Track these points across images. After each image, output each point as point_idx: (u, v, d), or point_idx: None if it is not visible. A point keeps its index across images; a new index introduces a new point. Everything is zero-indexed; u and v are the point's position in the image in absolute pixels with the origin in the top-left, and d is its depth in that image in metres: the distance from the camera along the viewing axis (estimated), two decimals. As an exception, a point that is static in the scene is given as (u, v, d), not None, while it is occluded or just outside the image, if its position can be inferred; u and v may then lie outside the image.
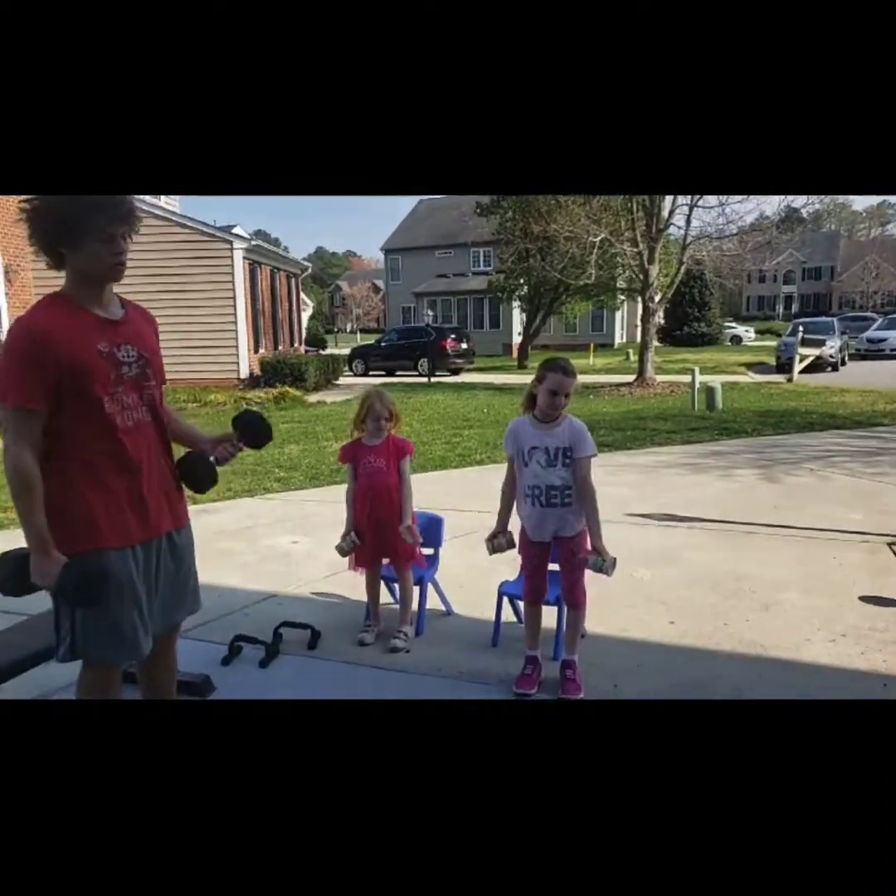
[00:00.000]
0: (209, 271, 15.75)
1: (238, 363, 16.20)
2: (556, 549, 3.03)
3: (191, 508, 2.40)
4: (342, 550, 3.49)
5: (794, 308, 62.05)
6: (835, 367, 19.78)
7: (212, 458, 2.33)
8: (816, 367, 18.81)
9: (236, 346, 16.15)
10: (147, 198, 15.09)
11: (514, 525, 3.06)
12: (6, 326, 13.49)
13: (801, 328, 19.22)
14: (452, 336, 23.52)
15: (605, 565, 2.86)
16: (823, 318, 25.75)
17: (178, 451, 2.34)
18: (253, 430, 2.41)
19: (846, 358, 21.65)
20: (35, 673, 2.69)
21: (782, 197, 16.10)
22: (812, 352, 18.74)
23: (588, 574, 3.03)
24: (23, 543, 1.98)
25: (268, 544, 5.08)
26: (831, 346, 19.89)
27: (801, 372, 17.42)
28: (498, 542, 3.02)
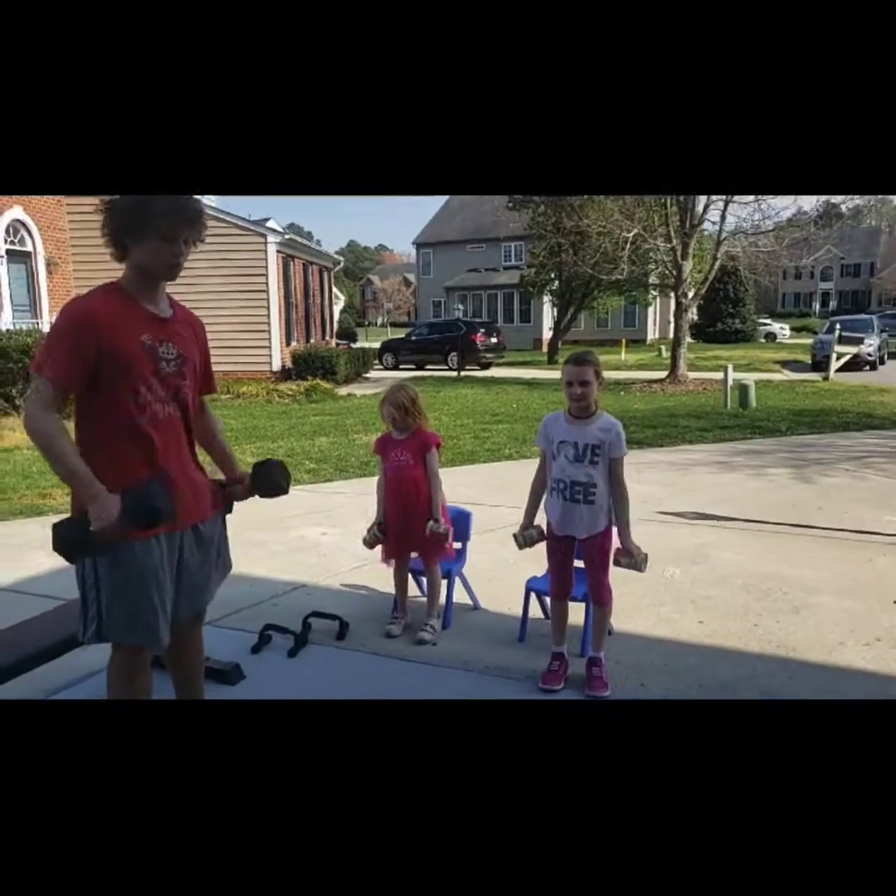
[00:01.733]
0: (243, 264, 15.91)
1: (270, 356, 16.37)
2: (580, 548, 3.02)
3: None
4: (367, 542, 3.55)
5: (832, 305, 60.78)
6: (873, 366, 19.38)
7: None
8: (854, 365, 18.43)
9: (269, 339, 16.31)
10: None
11: (541, 519, 3.06)
12: (47, 316, 13.78)
13: (838, 325, 18.84)
14: (483, 330, 23.47)
15: (637, 562, 2.93)
16: (862, 316, 25.25)
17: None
18: (266, 482, 2.46)
19: (885, 356, 21.21)
20: (77, 654, 2.76)
21: (821, 192, 15.82)
22: (850, 350, 18.36)
23: (614, 571, 3.02)
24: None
25: (298, 535, 5.13)
26: (870, 344, 19.49)
27: (838, 370, 17.11)
28: (528, 534, 3.05)
